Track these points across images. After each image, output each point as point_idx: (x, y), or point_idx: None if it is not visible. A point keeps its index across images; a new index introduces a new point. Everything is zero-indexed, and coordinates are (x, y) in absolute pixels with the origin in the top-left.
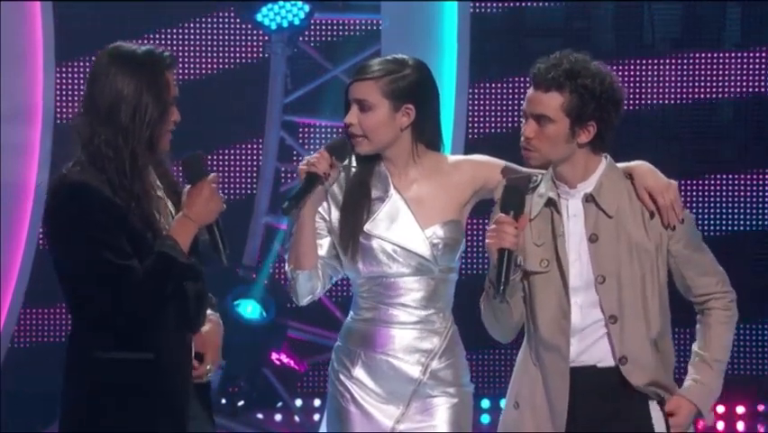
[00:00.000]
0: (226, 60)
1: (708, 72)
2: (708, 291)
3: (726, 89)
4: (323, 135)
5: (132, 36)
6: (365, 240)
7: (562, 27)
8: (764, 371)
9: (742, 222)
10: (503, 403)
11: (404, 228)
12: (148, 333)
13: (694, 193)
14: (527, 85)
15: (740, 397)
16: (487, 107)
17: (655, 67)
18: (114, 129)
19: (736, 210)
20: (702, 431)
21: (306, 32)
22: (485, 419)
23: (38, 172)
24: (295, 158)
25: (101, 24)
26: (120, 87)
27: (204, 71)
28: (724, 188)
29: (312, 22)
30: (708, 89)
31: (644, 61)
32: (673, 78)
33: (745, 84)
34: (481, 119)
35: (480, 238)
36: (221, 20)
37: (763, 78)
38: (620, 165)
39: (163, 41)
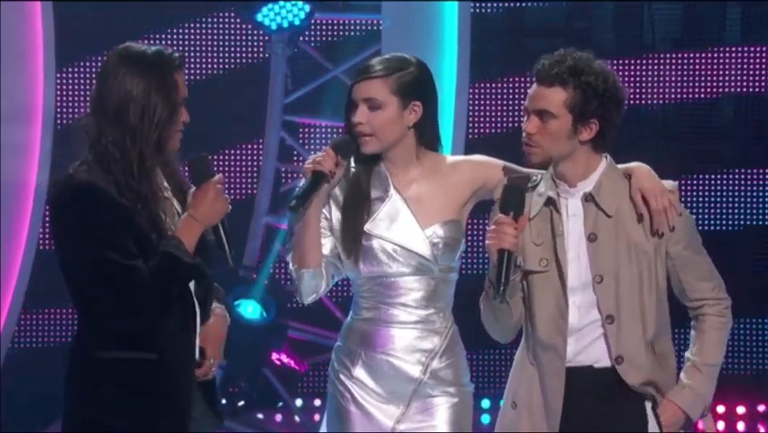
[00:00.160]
0: (226, 61)
1: (709, 72)
2: (703, 297)
3: (727, 89)
4: (323, 135)
5: (132, 36)
6: (365, 240)
7: (562, 27)
8: (765, 371)
9: (742, 221)
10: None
11: (404, 228)
12: (152, 333)
13: (694, 192)
14: (528, 85)
15: (740, 397)
16: (487, 107)
17: (655, 66)
18: (123, 129)
19: (735, 209)
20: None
21: (307, 32)
22: (485, 419)
23: (38, 172)
24: (295, 158)
25: (101, 25)
26: (129, 87)
27: (204, 71)
28: (724, 187)
29: (312, 22)
30: (708, 89)
31: (644, 61)
32: (673, 78)
33: (745, 83)
34: (481, 119)
35: (480, 238)
36: (221, 20)
37: (763, 77)
38: (620, 166)
39: (163, 42)
